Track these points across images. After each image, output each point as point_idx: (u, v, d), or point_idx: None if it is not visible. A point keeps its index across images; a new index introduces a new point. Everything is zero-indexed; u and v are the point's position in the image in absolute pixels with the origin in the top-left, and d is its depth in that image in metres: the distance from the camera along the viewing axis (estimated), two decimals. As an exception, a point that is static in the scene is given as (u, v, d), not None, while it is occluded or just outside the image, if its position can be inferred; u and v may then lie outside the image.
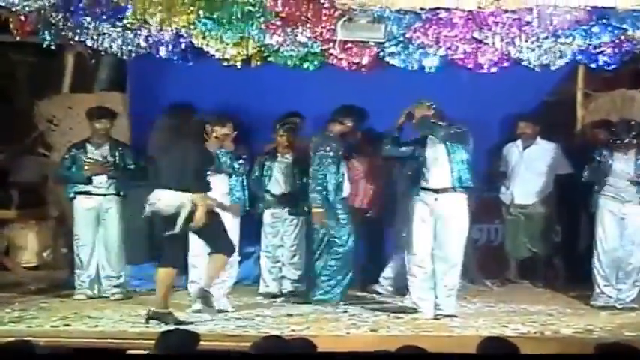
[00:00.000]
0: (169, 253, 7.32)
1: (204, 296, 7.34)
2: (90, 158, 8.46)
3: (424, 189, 7.67)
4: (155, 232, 8.05)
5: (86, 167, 8.44)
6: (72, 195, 8.52)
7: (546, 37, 8.24)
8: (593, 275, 8.18)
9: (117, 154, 8.57)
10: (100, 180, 8.49)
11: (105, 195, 8.49)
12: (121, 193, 8.53)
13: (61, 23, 8.27)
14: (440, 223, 7.61)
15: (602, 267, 8.14)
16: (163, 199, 7.19)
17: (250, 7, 8.00)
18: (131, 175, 8.56)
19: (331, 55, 8.57)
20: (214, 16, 8.18)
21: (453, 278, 7.62)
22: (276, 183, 8.65)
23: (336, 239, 8.09)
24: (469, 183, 7.65)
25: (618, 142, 8.10)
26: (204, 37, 8.38)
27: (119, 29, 8.42)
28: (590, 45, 8.29)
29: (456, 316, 7.55)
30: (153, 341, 5.10)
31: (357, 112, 8.34)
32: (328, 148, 8.10)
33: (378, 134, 8.47)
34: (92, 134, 8.59)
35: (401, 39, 8.45)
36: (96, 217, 8.51)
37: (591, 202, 8.27)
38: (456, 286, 7.69)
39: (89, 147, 8.56)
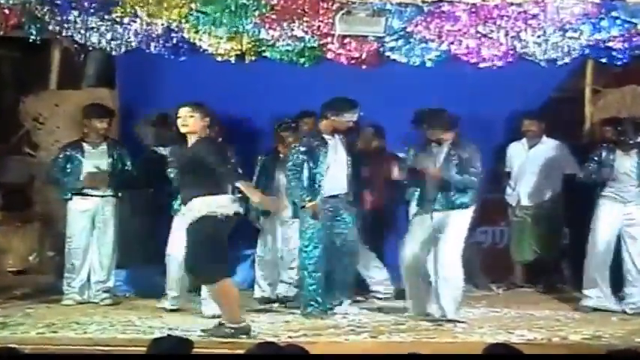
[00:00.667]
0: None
1: (219, 332, 6.94)
2: (89, 172, 8.43)
3: (422, 201, 7.76)
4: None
5: (84, 179, 8.39)
6: (68, 196, 8.49)
7: (553, 31, 8.27)
8: (583, 276, 8.27)
9: (115, 154, 8.56)
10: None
11: (102, 196, 8.48)
12: (119, 195, 8.54)
13: (46, 17, 8.29)
14: (437, 231, 7.66)
15: (591, 269, 8.19)
16: (224, 200, 6.93)
17: (244, 0, 8.02)
18: (129, 176, 8.54)
19: (329, 50, 8.58)
20: (207, 10, 8.20)
21: (452, 284, 7.63)
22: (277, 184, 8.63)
23: (300, 245, 8.00)
24: (463, 206, 7.66)
25: (630, 141, 8.12)
26: (196, 32, 8.39)
27: (108, 23, 8.43)
28: (599, 39, 8.31)
29: (460, 322, 7.55)
30: (144, 348, 5.09)
31: (340, 105, 7.97)
32: (297, 146, 7.98)
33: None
34: (89, 133, 8.56)
35: (402, 33, 8.48)
36: (91, 219, 8.50)
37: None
38: (457, 291, 7.68)
39: (86, 146, 8.54)
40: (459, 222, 7.66)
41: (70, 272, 8.45)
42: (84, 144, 8.55)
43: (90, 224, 8.47)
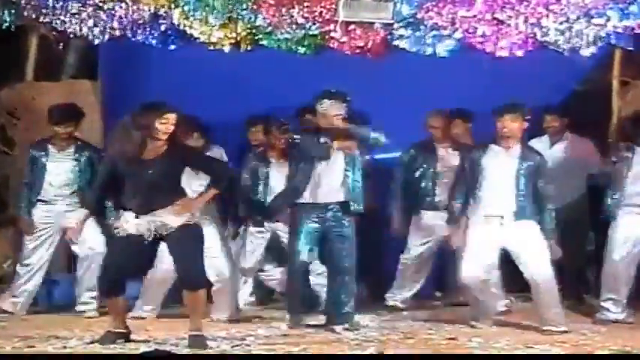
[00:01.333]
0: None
1: (200, 344, 6.86)
2: None
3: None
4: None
5: None
6: (26, 213, 8.49)
7: (577, 18, 8.26)
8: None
9: (81, 158, 8.51)
10: (63, 190, 8.48)
11: (68, 204, 8.46)
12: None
13: (22, 1, 8.27)
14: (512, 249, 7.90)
15: (608, 279, 8.26)
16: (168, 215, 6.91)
17: (239, -16, 8.04)
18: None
19: (332, 38, 8.58)
20: (198, -6, 8.19)
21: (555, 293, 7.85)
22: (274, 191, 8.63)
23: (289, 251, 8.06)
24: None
25: None
26: (186, 18, 8.39)
27: (90, 9, 8.43)
28: (627, 26, 8.30)
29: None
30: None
31: (320, 94, 7.86)
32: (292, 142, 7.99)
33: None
34: (55, 135, 8.54)
35: (411, 20, 8.48)
36: (56, 227, 8.48)
37: (606, 209, 8.31)
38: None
39: (51, 149, 8.51)
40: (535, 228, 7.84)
41: (18, 280, 8.51)
42: (49, 145, 8.53)
43: (54, 232, 8.48)
